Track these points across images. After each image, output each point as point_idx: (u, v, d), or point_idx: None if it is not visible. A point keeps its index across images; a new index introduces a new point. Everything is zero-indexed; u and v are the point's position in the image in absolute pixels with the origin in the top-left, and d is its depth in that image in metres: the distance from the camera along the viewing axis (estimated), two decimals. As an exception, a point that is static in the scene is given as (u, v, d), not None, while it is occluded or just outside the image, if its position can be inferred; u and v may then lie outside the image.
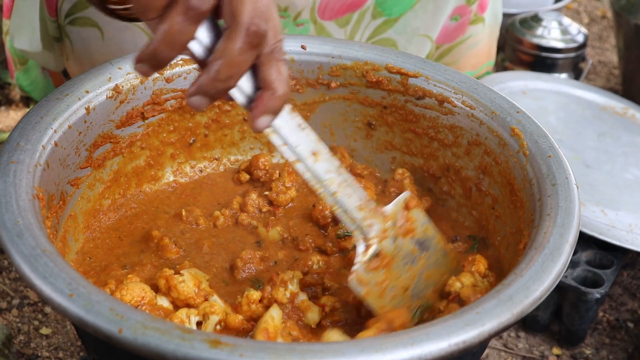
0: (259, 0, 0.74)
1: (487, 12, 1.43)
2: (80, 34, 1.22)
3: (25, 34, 1.28)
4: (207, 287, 0.88)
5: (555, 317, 1.26)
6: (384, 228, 0.86)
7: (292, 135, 0.80)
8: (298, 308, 0.87)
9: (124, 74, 1.00)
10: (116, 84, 0.98)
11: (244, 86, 0.77)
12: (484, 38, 1.46)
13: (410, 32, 1.31)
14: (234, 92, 0.77)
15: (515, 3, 1.91)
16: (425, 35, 1.33)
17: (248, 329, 0.83)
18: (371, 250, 0.86)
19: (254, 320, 0.85)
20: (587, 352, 1.24)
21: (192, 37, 0.73)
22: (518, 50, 1.76)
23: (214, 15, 0.75)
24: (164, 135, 1.06)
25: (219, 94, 0.75)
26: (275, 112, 0.77)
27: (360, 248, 0.86)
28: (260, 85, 0.77)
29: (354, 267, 0.85)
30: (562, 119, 1.53)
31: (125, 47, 1.20)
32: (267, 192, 1.06)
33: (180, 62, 1.04)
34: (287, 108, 0.80)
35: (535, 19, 1.77)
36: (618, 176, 1.40)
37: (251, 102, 0.77)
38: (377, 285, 0.86)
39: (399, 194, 0.91)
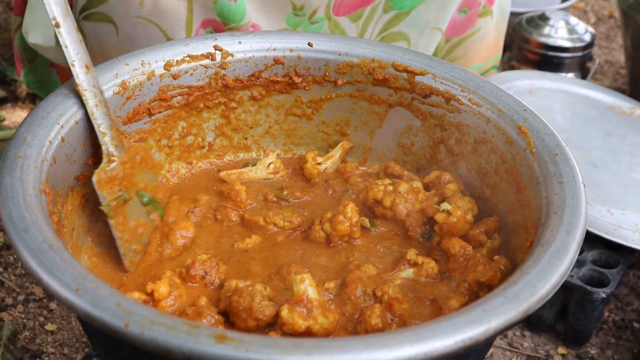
0: None
1: (495, 5, 1.43)
2: (94, 29, 1.22)
3: (40, 29, 1.29)
4: None
5: (561, 316, 1.26)
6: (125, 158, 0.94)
7: (73, 45, 0.92)
8: None
9: (130, 70, 1.00)
10: (123, 80, 0.99)
11: None
12: (491, 31, 1.46)
13: (422, 25, 1.32)
14: None
15: (523, 2, 1.91)
16: (436, 28, 1.34)
17: None
18: (112, 165, 0.93)
19: None
20: (593, 351, 1.24)
21: None
22: (525, 49, 1.75)
23: None
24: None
25: None
26: None
27: (104, 161, 0.93)
28: None
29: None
30: (568, 119, 1.53)
31: (138, 43, 1.21)
32: None
33: (187, 58, 1.04)
34: (73, 24, 0.92)
35: (542, 18, 1.77)
36: (624, 176, 1.40)
37: None
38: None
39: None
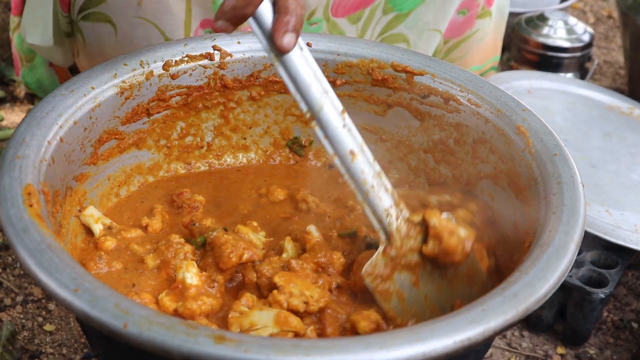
0: None
1: (493, 6, 1.43)
2: (93, 29, 1.22)
3: (38, 29, 1.29)
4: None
5: (560, 316, 1.26)
6: (407, 235, 0.88)
7: (334, 132, 0.86)
8: None
9: (129, 70, 1.00)
10: (122, 80, 0.99)
11: (263, 16, 0.83)
12: (490, 32, 1.46)
13: (421, 26, 1.32)
14: (252, 23, 0.83)
15: (522, 2, 1.91)
16: (435, 29, 1.34)
17: None
18: (391, 252, 0.88)
19: None
20: (591, 351, 1.24)
21: None
22: (524, 49, 1.75)
23: None
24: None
25: (238, 19, 0.81)
26: (295, 30, 0.82)
27: (380, 248, 0.88)
28: (277, 10, 0.82)
29: (368, 263, 0.88)
30: (567, 119, 1.53)
31: (137, 43, 1.21)
32: None
33: (186, 58, 1.04)
34: (339, 109, 0.86)
35: (541, 18, 1.77)
36: (624, 176, 1.40)
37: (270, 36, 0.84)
38: (384, 284, 0.87)
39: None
